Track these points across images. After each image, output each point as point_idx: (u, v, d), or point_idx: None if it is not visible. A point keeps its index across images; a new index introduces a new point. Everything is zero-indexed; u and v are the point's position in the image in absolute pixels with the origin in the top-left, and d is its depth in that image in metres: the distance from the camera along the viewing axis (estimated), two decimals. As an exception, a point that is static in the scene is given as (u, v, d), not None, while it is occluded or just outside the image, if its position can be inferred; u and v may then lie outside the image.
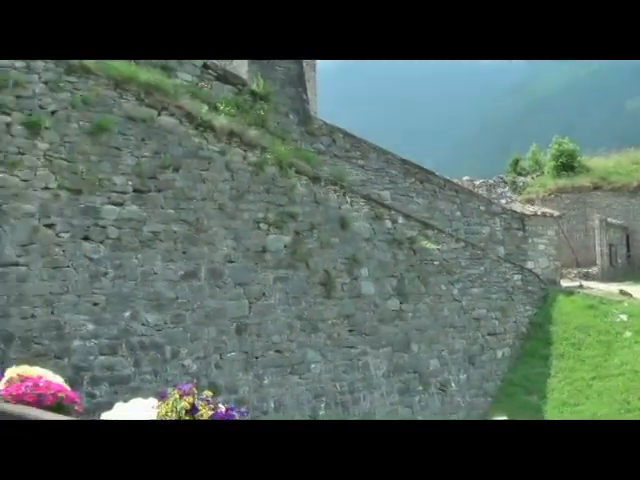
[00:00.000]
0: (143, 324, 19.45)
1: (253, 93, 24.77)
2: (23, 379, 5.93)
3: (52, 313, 18.12)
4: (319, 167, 24.53)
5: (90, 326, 18.61)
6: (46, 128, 18.64)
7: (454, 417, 25.15)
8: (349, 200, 24.44)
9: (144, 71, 20.25)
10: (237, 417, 4.28)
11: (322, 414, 22.17)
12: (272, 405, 21.25)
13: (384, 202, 26.56)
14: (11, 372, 5.94)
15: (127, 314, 19.19)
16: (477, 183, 48.50)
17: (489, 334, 28.26)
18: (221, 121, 21.63)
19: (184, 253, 20.33)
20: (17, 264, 17.69)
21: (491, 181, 49.99)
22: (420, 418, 24.19)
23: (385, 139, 29.67)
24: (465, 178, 47.88)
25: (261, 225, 21.98)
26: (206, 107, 21.59)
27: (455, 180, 35.16)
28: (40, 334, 17.92)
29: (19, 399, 5.80)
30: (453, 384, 26.11)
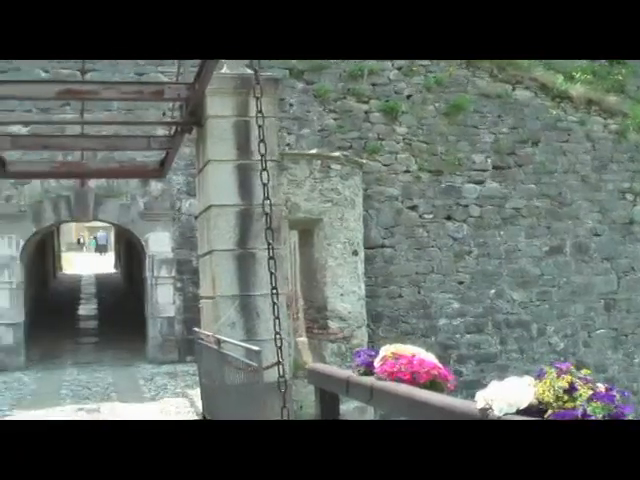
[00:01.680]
0: (508, 301, 19.24)
1: (611, 57, 23.49)
2: (397, 357, 5.96)
3: (419, 292, 18.51)
4: (688, 130, 22.70)
5: (456, 305, 18.77)
6: (403, 112, 19.05)
7: None
8: None
9: (495, 46, 19.93)
10: (617, 397, 3.90)
11: (701, 397, 20.55)
12: (644, 385, 20.10)
13: None
14: (385, 350, 6.01)
15: (492, 292, 19.09)
16: None
17: None
18: (578, 90, 20.73)
19: (548, 228, 19.79)
20: (383, 246, 18.28)
21: None
22: None
23: None
24: None
25: (627, 195, 20.78)
26: (561, 77, 20.80)
27: None
28: (407, 313, 18.38)
29: (393, 376, 5.84)
30: None
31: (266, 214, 6.87)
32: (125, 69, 17.75)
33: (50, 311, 24.18)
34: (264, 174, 6.91)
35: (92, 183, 17.51)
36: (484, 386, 4.41)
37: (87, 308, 26.63)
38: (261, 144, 6.95)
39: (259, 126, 6.98)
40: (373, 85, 19.00)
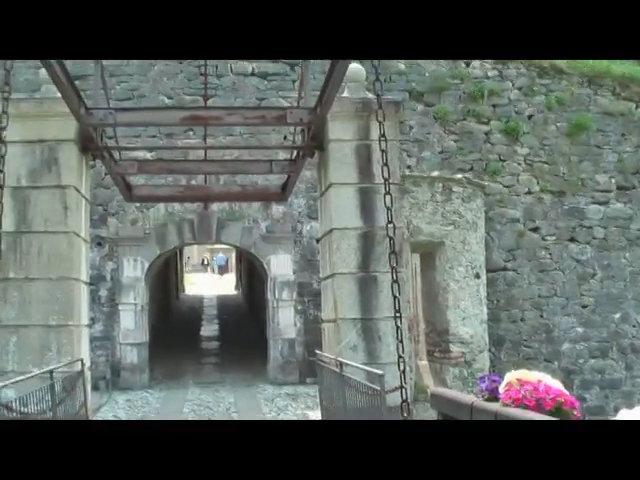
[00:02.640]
0: (634, 326, 18.69)
1: None
2: (522, 383, 5.89)
3: (541, 316, 18.17)
4: None
5: (579, 329, 18.34)
6: (524, 133, 18.83)
7: None
8: None
9: (617, 64, 19.51)
10: None
11: None
12: None
13: None
14: (510, 376, 5.95)
15: (617, 316, 18.58)
16: None
17: None
18: None
19: (674, 250, 19.17)
20: (505, 269, 18.05)
21: None
22: None
23: None
24: None
25: None
26: (685, 93, 20.16)
27: None
28: (529, 337, 18.07)
29: (518, 403, 5.79)
30: None
31: (389, 238, 6.86)
32: (246, 94, 18.12)
33: (173, 331, 24.73)
34: (387, 198, 6.92)
35: (215, 206, 17.90)
36: (608, 413, 4.33)
37: (209, 329, 27.12)
38: (384, 168, 6.96)
39: (382, 150, 6.99)
40: (493, 106, 18.86)
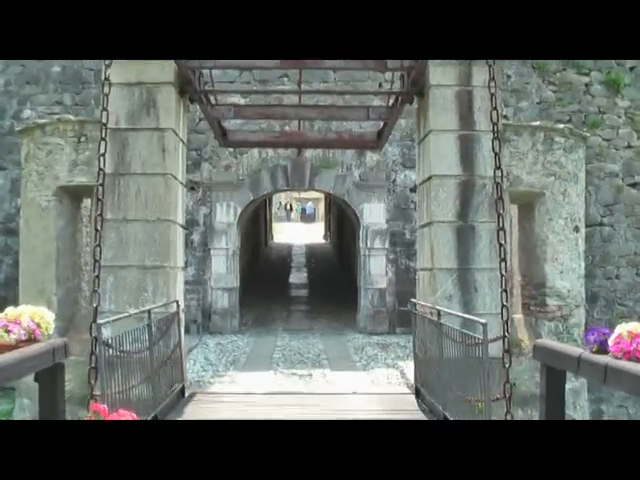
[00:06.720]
0: None
1: None
2: (633, 337, 5.73)
3: (637, 274, 17.73)
4: None
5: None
6: (626, 85, 18.24)
7: None
8: None
9: None
10: None
11: None
12: None
13: None
14: (621, 329, 5.78)
15: None
16: None
17: None
18: None
19: None
20: (602, 224, 17.62)
21: None
22: None
23: None
24: None
25: None
26: None
27: None
28: (624, 295, 17.67)
29: (629, 356, 5.68)
30: None
31: (497, 184, 6.73)
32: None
33: (262, 278, 24.96)
34: (495, 143, 6.76)
35: (308, 153, 17.86)
36: None
37: (298, 277, 27.30)
38: (493, 112, 6.80)
39: (491, 94, 6.83)
40: (594, 56, 18.29)
